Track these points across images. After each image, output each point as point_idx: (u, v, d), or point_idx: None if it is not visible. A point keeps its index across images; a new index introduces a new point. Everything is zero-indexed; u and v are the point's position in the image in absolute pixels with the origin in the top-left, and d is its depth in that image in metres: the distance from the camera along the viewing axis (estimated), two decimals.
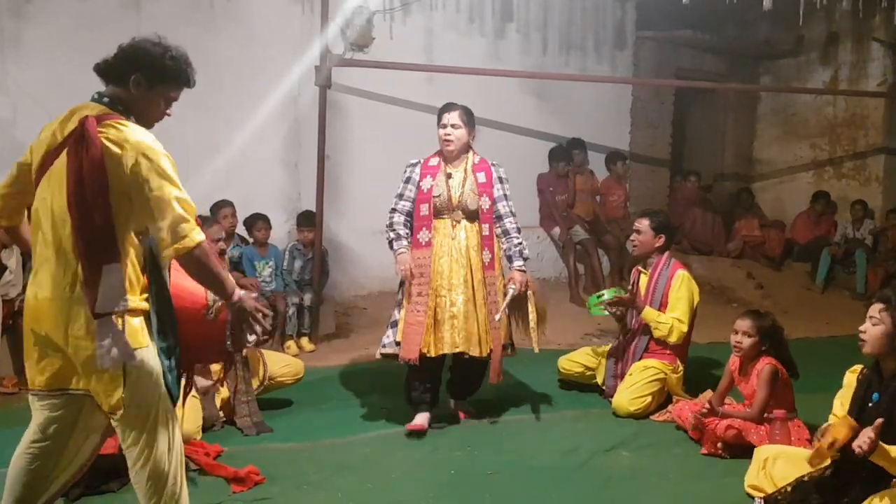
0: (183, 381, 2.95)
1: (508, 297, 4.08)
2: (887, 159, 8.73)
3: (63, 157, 2.34)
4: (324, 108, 5.85)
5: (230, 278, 2.58)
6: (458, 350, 4.05)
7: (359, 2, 6.26)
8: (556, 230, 7.57)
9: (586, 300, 4.78)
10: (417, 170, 4.22)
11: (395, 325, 4.15)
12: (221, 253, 4.34)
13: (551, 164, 7.61)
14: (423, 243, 4.12)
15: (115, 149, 2.29)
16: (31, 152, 2.48)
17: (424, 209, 4.14)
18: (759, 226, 8.68)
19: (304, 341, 5.80)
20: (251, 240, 5.90)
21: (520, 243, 4.19)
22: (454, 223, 4.15)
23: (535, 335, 4.18)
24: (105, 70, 2.44)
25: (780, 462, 3.21)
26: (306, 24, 6.24)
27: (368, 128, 6.62)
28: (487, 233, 4.16)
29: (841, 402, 3.15)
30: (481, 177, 4.17)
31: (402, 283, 4.20)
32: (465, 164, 4.20)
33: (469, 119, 4.19)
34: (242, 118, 6.00)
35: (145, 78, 2.41)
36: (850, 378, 3.17)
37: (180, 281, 2.62)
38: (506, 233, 4.20)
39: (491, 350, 4.09)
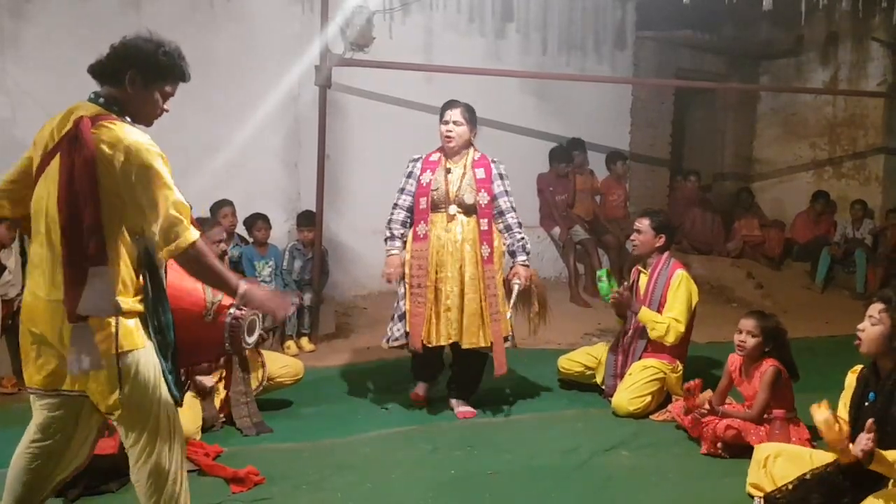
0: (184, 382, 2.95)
1: (515, 292, 4.23)
2: (887, 159, 8.73)
3: (58, 157, 2.34)
4: (324, 108, 5.85)
5: (232, 274, 2.57)
6: (451, 341, 4.20)
7: (359, 1, 6.27)
8: (556, 230, 7.58)
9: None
10: (419, 164, 4.37)
11: (402, 317, 4.29)
12: (223, 254, 4.35)
13: (552, 164, 7.61)
14: (422, 236, 4.26)
15: (108, 150, 2.28)
16: (34, 146, 2.47)
17: (423, 202, 4.29)
18: (758, 225, 8.69)
19: (304, 341, 5.80)
20: (251, 240, 5.89)
21: (522, 238, 4.32)
22: (450, 217, 4.27)
23: (536, 322, 4.44)
24: (99, 70, 2.43)
25: (781, 461, 3.20)
26: (306, 23, 6.24)
27: (368, 127, 6.62)
28: (486, 227, 4.26)
29: (843, 404, 3.14)
30: (480, 173, 4.28)
31: (402, 278, 4.33)
32: (465, 160, 4.32)
33: (471, 117, 4.31)
34: (242, 118, 5.99)
35: (140, 75, 2.40)
36: (851, 379, 3.16)
37: (178, 282, 2.61)
38: (508, 228, 4.32)
39: (491, 342, 4.21)
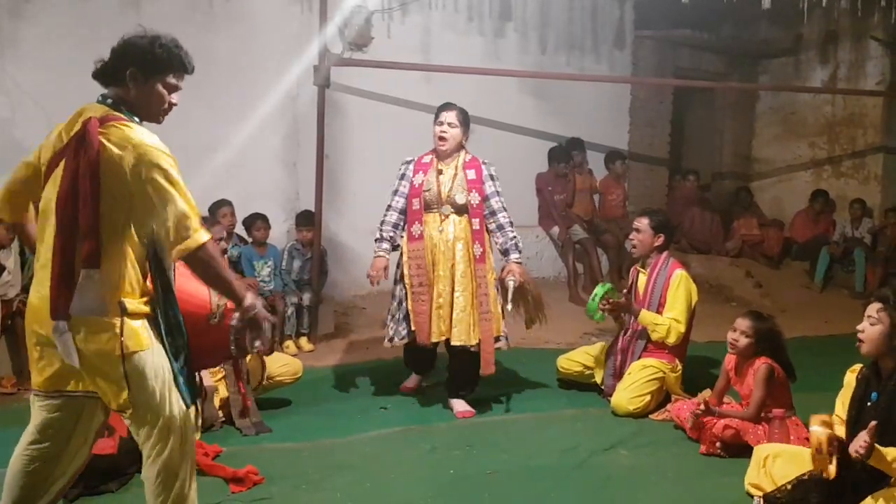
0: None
1: (511, 290, 4.30)
2: (886, 158, 8.73)
3: (65, 159, 2.34)
4: (322, 108, 5.84)
5: (240, 283, 2.57)
6: (443, 338, 4.30)
7: (357, 1, 6.27)
8: (555, 229, 7.58)
9: (586, 301, 4.80)
10: (411, 166, 4.47)
11: (406, 317, 4.35)
12: (223, 252, 4.35)
13: (550, 163, 7.61)
14: (417, 236, 4.35)
15: (117, 150, 2.29)
16: (39, 152, 2.47)
17: (416, 203, 4.38)
18: (757, 225, 8.68)
19: (303, 341, 5.80)
20: (250, 239, 5.90)
21: (514, 237, 4.40)
22: (443, 217, 4.36)
23: (534, 317, 4.60)
24: (102, 73, 2.44)
25: (780, 460, 3.21)
26: (305, 23, 6.23)
27: (367, 127, 6.62)
28: (478, 227, 4.36)
29: (842, 402, 3.15)
30: (471, 174, 4.38)
31: (397, 280, 4.44)
32: (456, 162, 4.42)
33: (465, 120, 4.43)
34: (241, 118, 5.99)
35: (139, 71, 2.41)
36: (850, 378, 3.16)
37: (184, 285, 2.62)
38: (500, 227, 4.39)
39: (479, 341, 4.27)
